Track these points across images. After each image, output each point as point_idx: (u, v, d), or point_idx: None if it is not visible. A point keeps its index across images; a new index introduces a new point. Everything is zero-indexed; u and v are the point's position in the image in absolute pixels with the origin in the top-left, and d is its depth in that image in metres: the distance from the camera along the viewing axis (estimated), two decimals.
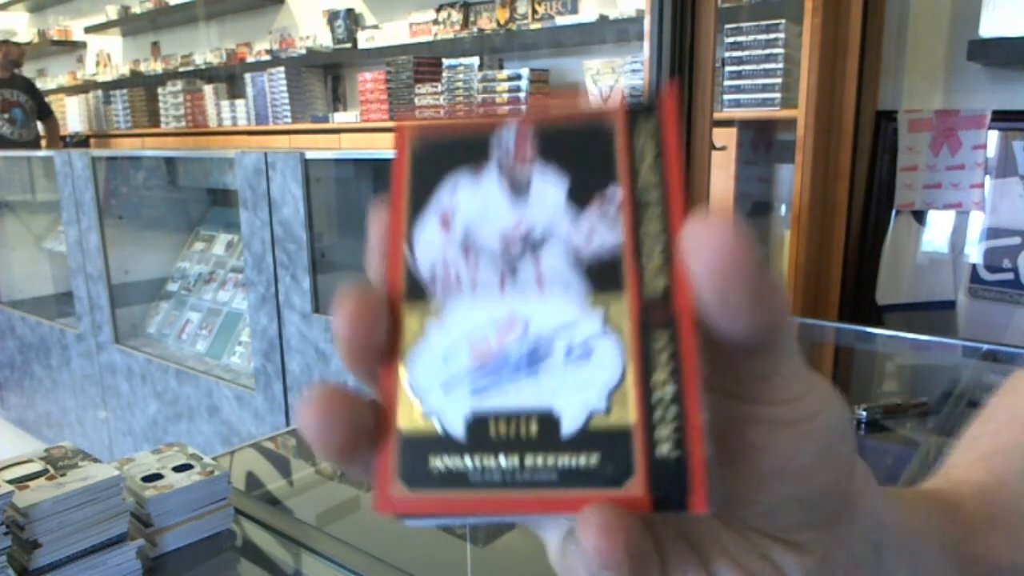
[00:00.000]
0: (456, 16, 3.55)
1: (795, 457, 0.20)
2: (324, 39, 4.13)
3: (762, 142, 2.28)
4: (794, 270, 1.89)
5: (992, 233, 1.81)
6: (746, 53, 2.21)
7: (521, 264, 0.20)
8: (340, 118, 4.00)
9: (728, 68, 2.25)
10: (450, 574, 0.89)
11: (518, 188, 0.21)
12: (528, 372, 0.19)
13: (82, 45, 5.95)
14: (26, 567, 0.75)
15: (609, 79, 2.99)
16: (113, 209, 2.66)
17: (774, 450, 0.20)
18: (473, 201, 0.21)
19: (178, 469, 0.89)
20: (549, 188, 0.21)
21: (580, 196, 0.21)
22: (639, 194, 0.21)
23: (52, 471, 0.81)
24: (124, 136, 5.29)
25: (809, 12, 1.78)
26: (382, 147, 2.43)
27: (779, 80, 2.17)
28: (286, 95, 4.17)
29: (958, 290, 1.87)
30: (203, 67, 4.79)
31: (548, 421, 0.19)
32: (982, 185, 1.82)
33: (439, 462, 0.19)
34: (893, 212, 1.92)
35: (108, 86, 5.47)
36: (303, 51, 4.19)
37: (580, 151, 0.21)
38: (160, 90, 5.01)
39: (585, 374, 0.19)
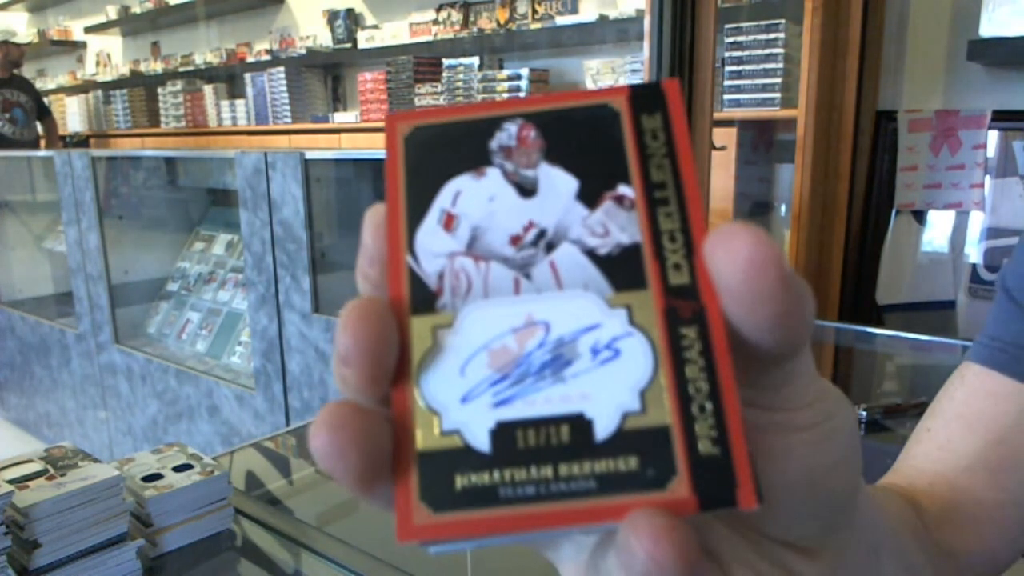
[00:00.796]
0: (456, 16, 3.55)
1: (818, 460, 0.20)
2: (324, 39, 4.13)
3: (762, 142, 2.28)
4: (794, 270, 1.89)
5: (992, 233, 1.81)
6: (746, 53, 2.21)
7: (535, 265, 0.19)
8: (340, 118, 4.00)
9: (728, 68, 2.25)
10: (450, 574, 0.89)
11: (524, 184, 0.20)
12: (554, 377, 0.18)
13: (82, 45, 5.95)
14: (26, 567, 0.75)
15: (609, 79, 2.99)
16: (113, 209, 2.66)
17: (797, 455, 0.20)
18: (477, 200, 0.20)
19: (178, 469, 0.89)
20: (558, 184, 0.20)
21: (591, 191, 0.20)
22: (652, 186, 0.20)
23: (52, 471, 0.81)
24: (124, 136, 5.29)
25: (809, 12, 1.78)
26: (382, 147, 2.42)
27: (779, 80, 2.17)
28: (286, 95, 4.17)
29: (958, 290, 1.87)
30: (203, 67, 4.79)
31: (580, 426, 0.18)
32: (982, 185, 1.82)
33: (465, 480, 0.18)
34: (893, 212, 1.92)
35: (108, 86, 5.47)
36: (303, 51, 4.19)
37: (586, 141, 0.20)
38: (160, 90, 5.01)
39: (614, 375, 0.18)
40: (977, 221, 1.84)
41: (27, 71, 4.75)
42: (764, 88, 2.19)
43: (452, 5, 3.57)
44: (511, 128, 0.21)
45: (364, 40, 3.91)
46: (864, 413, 1.07)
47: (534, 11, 3.28)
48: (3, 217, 3.41)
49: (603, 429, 0.18)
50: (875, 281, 1.95)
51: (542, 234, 0.20)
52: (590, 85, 3.04)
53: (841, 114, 1.87)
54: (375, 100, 3.74)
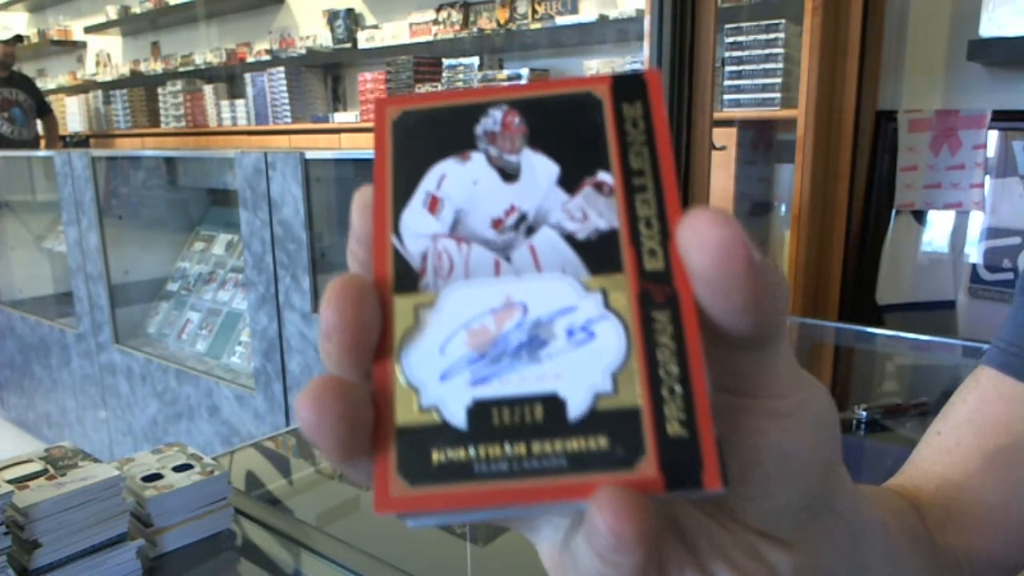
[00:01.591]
0: (456, 16, 3.55)
1: (794, 449, 0.20)
2: (324, 39, 4.13)
3: (762, 142, 2.28)
4: (794, 270, 1.89)
5: (992, 233, 1.81)
6: (746, 53, 2.21)
7: (515, 249, 0.20)
8: (340, 118, 4.00)
9: (728, 68, 2.25)
10: (450, 574, 0.89)
11: (507, 169, 0.21)
12: (529, 357, 0.19)
13: (82, 45, 5.95)
14: (26, 567, 0.75)
15: None
16: (113, 209, 2.66)
17: (773, 443, 0.20)
18: (462, 184, 0.21)
19: (178, 469, 0.89)
20: (539, 169, 0.21)
21: (571, 176, 0.20)
22: (631, 173, 0.20)
23: (52, 471, 0.81)
24: (124, 136, 5.29)
25: (809, 12, 1.78)
26: None
27: (779, 80, 2.17)
28: (286, 95, 4.17)
29: (958, 290, 1.87)
30: (203, 67, 4.79)
31: (553, 406, 0.18)
32: (982, 185, 1.82)
33: (441, 455, 0.18)
34: (893, 212, 1.92)
35: (108, 86, 5.47)
36: (303, 51, 4.19)
37: (568, 128, 0.21)
38: (160, 90, 5.01)
39: (588, 356, 0.18)
40: (977, 221, 1.84)
41: (27, 71, 4.74)
42: (764, 88, 2.19)
43: (452, 5, 3.57)
44: (496, 114, 0.21)
45: (364, 40, 3.91)
46: (864, 413, 1.07)
47: (534, 11, 3.28)
48: (3, 217, 3.41)
49: (575, 409, 0.18)
50: (875, 281, 1.95)
51: (523, 218, 0.20)
52: None
53: (841, 114, 1.87)
54: (374, 100, 3.74)
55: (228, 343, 2.57)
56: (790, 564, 0.22)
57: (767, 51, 2.18)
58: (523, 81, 3.21)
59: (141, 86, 5.17)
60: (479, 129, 0.21)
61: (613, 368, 0.18)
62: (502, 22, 3.36)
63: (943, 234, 1.90)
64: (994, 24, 1.67)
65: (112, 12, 5.24)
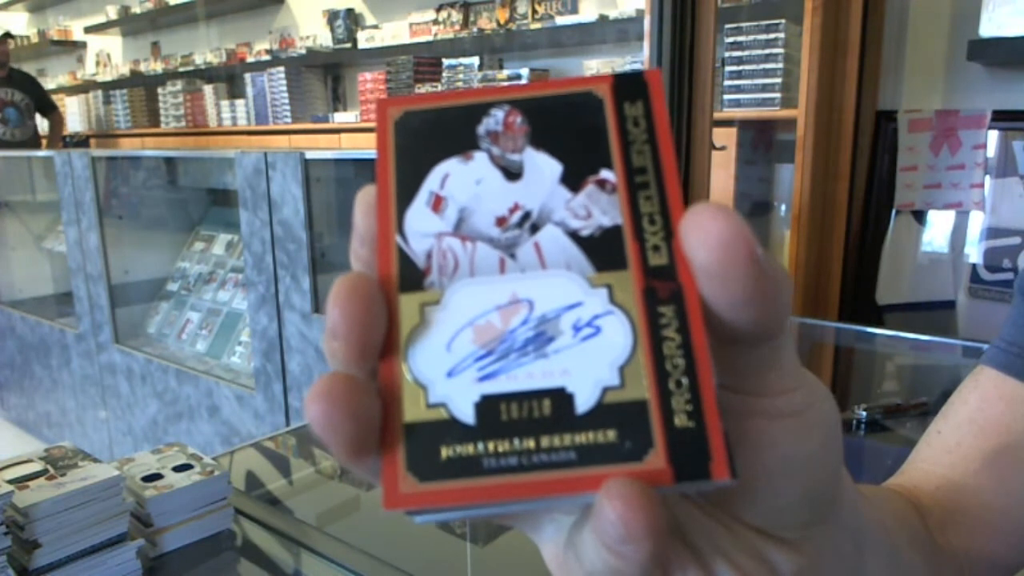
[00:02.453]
0: (456, 16, 3.54)
1: (797, 448, 0.20)
2: (324, 39, 4.13)
3: (762, 142, 2.28)
4: (794, 270, 1.88)
5: (992, 233, 1.81)
6: (746, 53, 2.21)
7: (519, 246, 0.20)
8: (340, 118, 4.00)
9: (728, 68, 2.25)
10: (450, 574, 0.89)
11: (510, 168, 0.21)
12: (536, 353, 0.19)
13: (82, 45, 5.95)
14: (26, 567, 0.75)
15: None
16: (113, 209, 2.66)
17: (776, 442, 0.20)
18: (465, 183, 0.21)
19: (178, 469, 0.89)
20: (542, 168, 0.21)
21: (574, 175, 0.21)
22: (633, 171, 0.20)
23: (52, 471, 0.81)
24: (124, 136, 5.29)
25: (809, 12, 1.78)
26: None
27: (779, 80, 2.17)
28: (286, 95, 4.16)
29: (958, 290, 1.87)
30: (203, 67, 4.79)
31: (561, 400, 0.18)
32: (982, 185, 1.82)
33: (450, 451, 0.18)
34: (893, 212, 1.92)
35: (108, 86, 5.47)
36: (303, 51, 4.19)
37: (570, 127, 0.21)
38: (160, 90, 5.01)
39: (595, 351, 0.19)
40: (977, 221, 1.84)
41: (26, 71, 4.73)
42: (764, 88, 2.19)
43: (452, 5, 3.56)
44: (498, 114, 0.21)
45: (364, 40, 3.90)
46: (864, 413, 1.07)
47: (534, 11, 3.27)
48: (3, 217, 3.41)
49: (583, 403, 0.18)
50: (875, 281, 1.94)
51: (527, 216, 0.20)
52: None
53: (841, 114, 1.87)
54: (375, 100, 3.74)
55: (228, 343, 2.56)
56: (791, 564, 0.22)
57: (767, 51, 2.18)
58: (523, 81, 3.21)
59: (141, 86, 5.17)
60: (481, 129, 0.21)
61: (620, 362, 0.18)
62: (502, 22, 3.36)
63: (943, 234, 1.90)
64: (994, 24, 1.67)
65: (112, 12, 5.23)
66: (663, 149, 0.20)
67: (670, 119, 0.22)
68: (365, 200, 0.21)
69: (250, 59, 4.48)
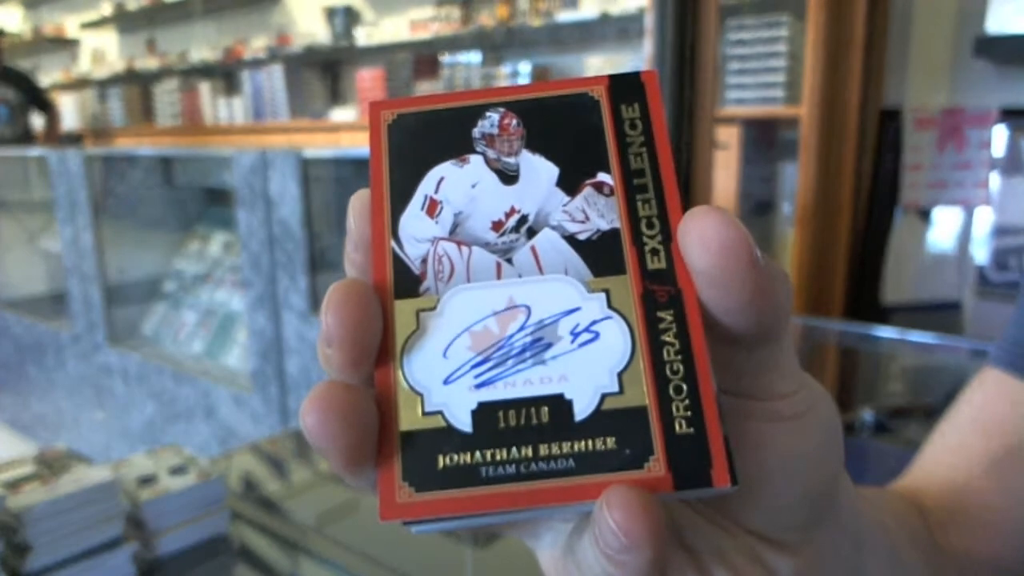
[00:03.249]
0: (456, 12, 3.53)
1: (797, 450, 0.20)
2: (322, 36, 4.12)
3: (765, 140, 2.26)
4: (798, 269, 1.88)
5: (999, 232, 1.80)
6: (749, 50, 2.19)
7: (516, 251, 0.20)
8: (338, 116, 3.99)
9: (730, 65, 2.24)
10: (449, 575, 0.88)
11: (506, 171, 0.21)
12: (534, 359, 0.19)
13: (76, 42, 5.93)
14: (19, 571, 0.74)
15: None
16: (108, 208, 2.64)
17: (776, 445, 0.20)
18: (460, 186, 0.20)
19: (174, 471, 0.89)
20: (539, 171, 0.20)
21: (571, 178, 0.20)
22: (630, 174, 0.20)
23: (45, 474, 0.80)
24: (119, 134, 5.27)
25: (813, 8, 1.77)
26: None
27: (782, 77, 2.16)
28: (284, 92, 4.15)
29: (964, 290, 1.87)
30: (199, 64, 4.77)
31: (560, 407, 0.18)
32: (988, 184, 1.81)
33: (447, 460, 0.18)
34: (898, 211, 1.92)
35: (103, 83, 5.45)
36: (301, 48, 4.18)
37: (567, 129, 0.21)
38: (156, 87, 4.99)
39: (593, 357, 0.18)
40: (983, 220, 1.84)
41: (20, 68, 4.71)
42: (767, 85, 2.18)
43: (452, 1, 3.55)
44: (493, 116, 0.21)
45: (363, 37, 3.89)
46: (870, 414, 1.06)
47: (535, 8, 3.26)
48: None
49: (582, 410, 0.18)
50: (880, 281, 1.94)
51: (523, 220, 0.20)
52: None
53: (845, 112, 1.86)
54: (374, 98, 3.73)
55: (225, 344, 2.55)
56: (791, 568, 0.22)
57: (770, 48, 2.16)
58: (524, 78, 3.20)
59: (136, 83, 5.15)
60: (476, 132, 0.21)
61: (619, 368, 0.18)
62: (502, 19, 3.35)
63: (949, 233, 1.90)
64: (1000, 20, 1.66)
65: (107, 8, 5.22)
66: (660, 151, 0.20)
67: (671, 119, 0.21)
68: (359, 204, 0.20)
69: (247, 56, 4.46)
